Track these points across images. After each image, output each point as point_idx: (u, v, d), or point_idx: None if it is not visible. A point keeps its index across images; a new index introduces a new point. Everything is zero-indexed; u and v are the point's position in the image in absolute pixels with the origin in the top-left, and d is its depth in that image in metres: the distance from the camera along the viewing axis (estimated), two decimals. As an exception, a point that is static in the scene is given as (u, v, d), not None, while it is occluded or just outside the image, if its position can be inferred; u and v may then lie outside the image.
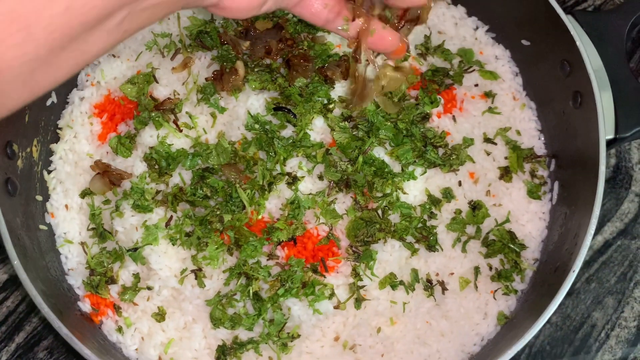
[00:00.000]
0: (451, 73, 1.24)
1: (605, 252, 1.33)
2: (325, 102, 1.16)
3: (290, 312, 1.05)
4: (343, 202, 1.11)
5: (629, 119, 1.04)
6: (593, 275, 1.31)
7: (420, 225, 1.10)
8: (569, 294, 1.33)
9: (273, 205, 1.11)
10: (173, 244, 1.09)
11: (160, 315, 1.08)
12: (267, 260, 1.08)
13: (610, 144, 1.06)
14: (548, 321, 1.28)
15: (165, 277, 1.09)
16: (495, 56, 1.28)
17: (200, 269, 1.07)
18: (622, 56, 1.08)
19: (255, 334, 1.06)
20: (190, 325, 1.07)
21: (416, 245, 1.10)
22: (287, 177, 1.11)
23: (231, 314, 1.06)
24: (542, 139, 1.22)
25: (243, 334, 1.06)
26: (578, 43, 1.06)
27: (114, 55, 1.25)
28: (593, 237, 1.34)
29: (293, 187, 1.10)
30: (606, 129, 1.03)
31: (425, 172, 1.14)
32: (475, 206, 1.13)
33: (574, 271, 0.94)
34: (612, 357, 1.27)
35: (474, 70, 1.25)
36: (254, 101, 1.14)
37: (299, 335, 1.05)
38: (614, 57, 1.07)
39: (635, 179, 1.41)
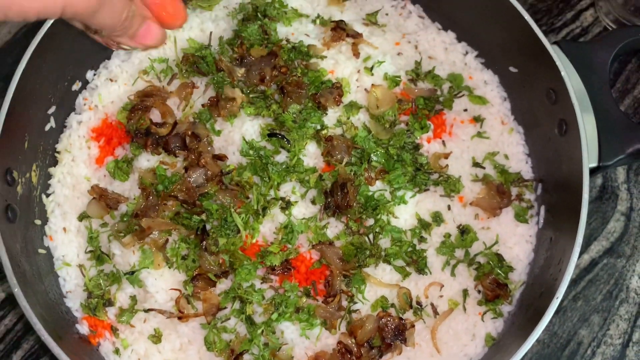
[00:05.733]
0: (441, 99, 1.27)
1: (592, 271, 1.36)
2: (318, 128, 1.18)
3: (284, 335, 1.08)
4: (335, 227, 1.14)
5: (612, 148, 1.07)
6: (580, 293, 1.34)
7: (410, 249, 1.13)
8: (556, 312, 1.37)
9: (267, 229, 1.14)
10: (169, 267, 1.12)
11: (156, 337, 1.10)
12: (261, 283, 1.11)
13: (593, 171, 1.09)
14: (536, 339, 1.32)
15: (162, 300, 1.11)
16: (484, 81, 1.31)
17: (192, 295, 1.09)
18: (606, 85, 1.12)
19: (250, 358, 1.08)
20: (186, 346, 1.10)
21: (407, 269, 1.13)
22: (280, 201, 1.13)
23: (226, 339, 1.08)
24: (530, 162, 1.25)
25: (238, 356, 1.09)
26: (563, 73, 1.09)
27: (111, 80, 1.28)
28: (580, 256, 1.39)
29: (287, 212, 1.13)
30: (590, 158, 1.06)
31: (414, 195, 1.17)
32: (463, 230, 1.16)
33: (557, 298, 0.97)
34: (598, 374, 1.29)
35: (463, 95, 1.29)
36: (248, 127, 1.17)
37: (292, 357, 1.08)
38: (598, 86, 1.10)
39: (621, 198, 1.44)
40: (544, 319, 0.96)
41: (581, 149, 1.04)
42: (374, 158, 1.17)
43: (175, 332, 1.10)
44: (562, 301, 1.36)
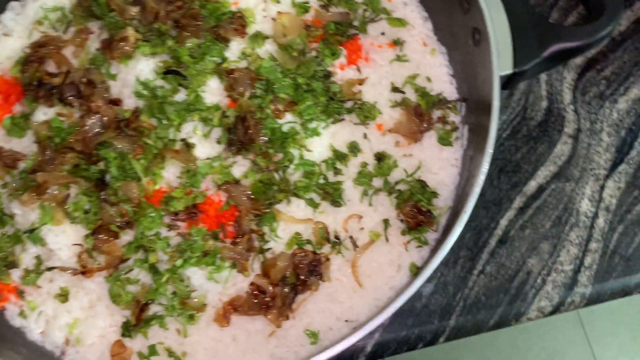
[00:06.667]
0: (355, 23, 1.18)
1: (539, 197, 1.29)
2: (220, 61, 1.11)
3: (190, 281, 1.01)
4: (243, 165, 1.07)
5: (527, 52, 0.99)
6: (527, 222, 1.27)
7: (322, 181, 1.06)
8: (502, 242, 1.30)
9: (171, 174, 1.07)
10: (71, 222, 1.06)
11: (63, 296, 1.04)
12: (168, 231, 1.05)
13: (511, 80, 1.01)
14: (482, 272, 1.26)
15: (66, 257, 1.05)
16: (404, 2, 1.23)
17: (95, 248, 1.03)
18: (520, -13, 1.03)
19: (160, 309, 1.02)
20: (94, 303, 1.04)
21: (321, 202, 1.06)
22: (181, 143, 1.06)
23: (133, 291, 1.02)
24: (454, 83, 1.17)
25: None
26: (470, -24, 1.00)
27: (5, 35, 1.20)
28: (526, 183, 1.32)
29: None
30: (504, 64, 0.98)
31: (328, 126, 1.09)
32: (380, 157, 1.08)
33: (465, 213, 0.89)
34: (549, 302, 1.23)
35: (381, 18, 1.20)
36: (143, 67, 1.09)
37: (204, 305, 1.02)
38: (511, -12, 1.01)
39: (568, 120, 1.37)
40: (451, 235, 0.89)
41: (491, 54, 0.96)
42: (281, 90, 1.09)
43: (82, 289, 1.04)
44: (508, 231, 1.29)
